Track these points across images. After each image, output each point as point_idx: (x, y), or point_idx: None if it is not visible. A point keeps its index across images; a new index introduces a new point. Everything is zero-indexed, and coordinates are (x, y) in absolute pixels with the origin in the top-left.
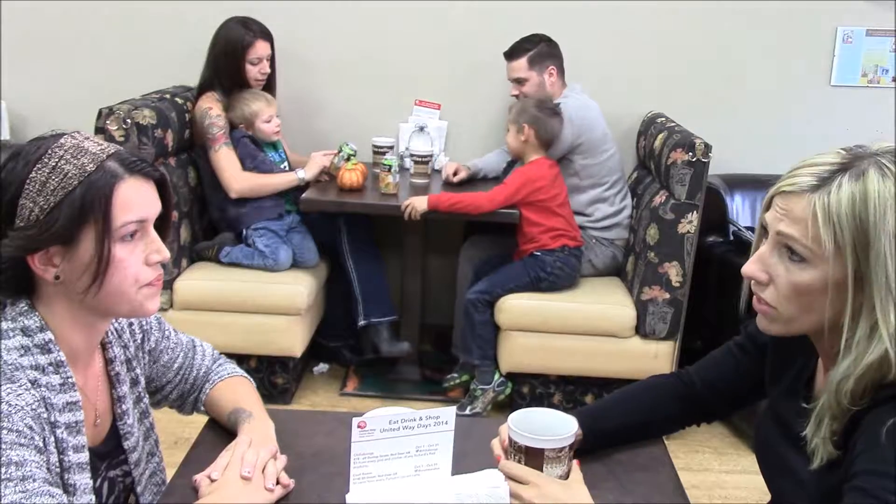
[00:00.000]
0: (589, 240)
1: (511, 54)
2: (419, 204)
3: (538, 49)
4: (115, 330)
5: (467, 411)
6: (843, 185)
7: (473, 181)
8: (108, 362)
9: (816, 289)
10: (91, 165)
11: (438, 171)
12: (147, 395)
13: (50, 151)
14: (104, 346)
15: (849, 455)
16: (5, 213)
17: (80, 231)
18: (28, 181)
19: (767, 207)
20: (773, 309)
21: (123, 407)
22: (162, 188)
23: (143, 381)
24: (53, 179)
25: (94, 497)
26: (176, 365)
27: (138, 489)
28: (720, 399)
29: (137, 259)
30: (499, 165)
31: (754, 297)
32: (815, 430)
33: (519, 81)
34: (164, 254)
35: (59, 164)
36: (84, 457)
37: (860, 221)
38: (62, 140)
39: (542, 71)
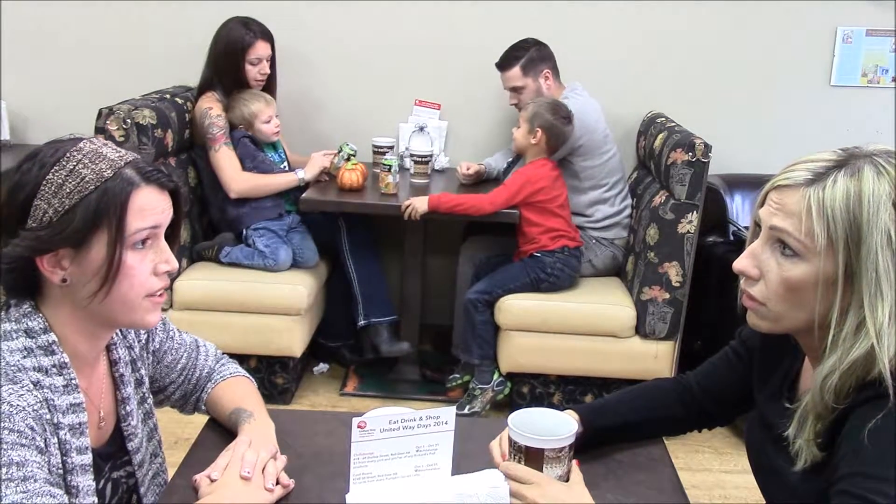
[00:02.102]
0: (588, 240)
1: (503, 64)
2: (419, 205)
3: (529, 55)
4: (120, 330)
5: (466, 410)
6: (839, 181)
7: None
8: (113, 364)
9: (807, 284)
10: (108, 171)
11: (439, 171)
12: (151, 396)
13: (68, 155)
14: (108, 348)
15: (833, 458)
16: (19, 212)
17: (92, 235)
18: (44, 183)
19: (762, 203)
20: (762, 305)
21: (128, 408)
22: (175, 198)
23: (147, 381)
24: (70, 182)
25: (96, 499)
26: (179, 365)
27: (142, 490)
28: (719, 404)
29: (146, 268)
30: (500, 164)
31: (744, 293)
32: (799, 430)
33: (515, 90)
34: (173, 264)
35: (76, 168)
36: (87, 458)
37: (854, 217)
38: (81, 144)
39: (536, 76)
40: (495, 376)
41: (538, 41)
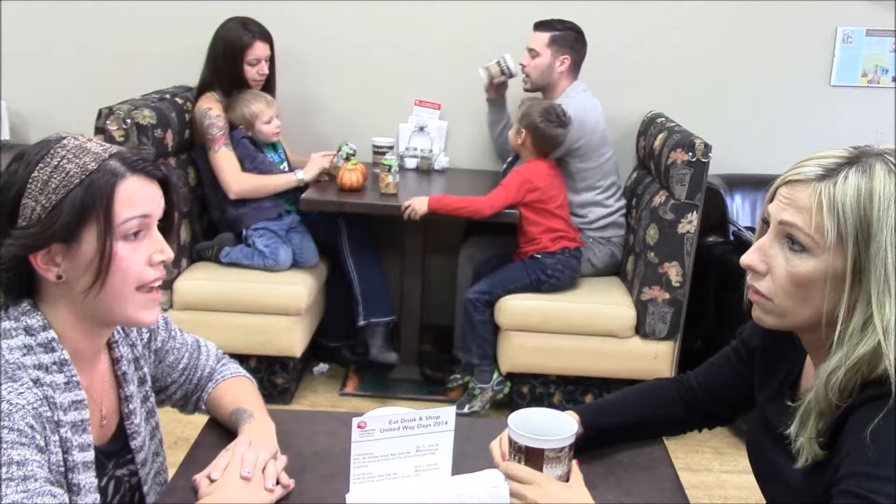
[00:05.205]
0: (586, 239)
1: (540, 25)
2: (419, 206)
3: (564, 33)
4: (123, 328)
5: (465, 410)
6: (850, 177)
7: (466, 181)
8: (115, 362)
9: (814, 280)
10: (93, 164)
11: (438, 171)
12: (153, 394)
13: (52, 151)
14: (110, 346)
15: (835, 457)
16: (8, 212)
17: (81, 229)
18: (30, 180)
19: (771, 199)
20: (768, 300)
21: (131, 406)
22: (166, 188)
23: (149, 379)
24: (55, 178)
25: (98, 496)
26: (181, 365)
27: (144, 488)
28: (719, 404)
29: (140, 258)
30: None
31: (750, 288)
32: (800, 428)
33: (532, 53)
34: (168, 254)
35: (60, 164)
36: (89, 456)
37: (864, 213)
38: (64, 141)
39: (557, 54)
40: (495, 376)
41: (581, 32)
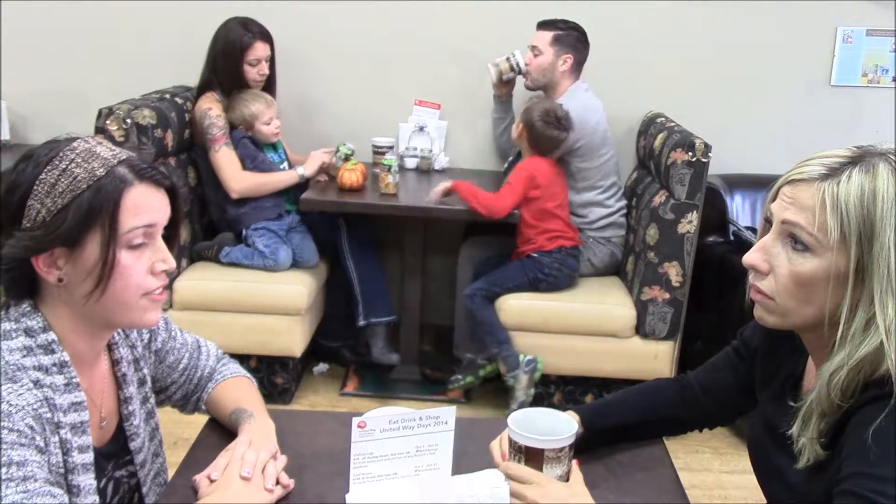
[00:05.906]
0: (586, 239)
1: (543, 24)
2: (442, 185)
3: (567, 33)
4: (122, 329)
5: (514, 407)
6: (853, 176)
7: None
8: (115, 363)
9: (817, 279)
10: (101, 170)
11: (439, 171)
12: (153, 395)
13: (61, 154)
14: (110, 347)
15: (837, 458)
16: (13, 213)
17: (86, 235)
18: (37, 182)
19: (774, 198)
20: (770, 300)
21: (130, 408)
22: (172, 197)
23: (149, 381)
24: (63, 182)
25: (97, 497)
26: (181, 366)
27: (143, 489)
28: (720, 404)
29: (142, 267)
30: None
31: (752, 287)
32: (802, 428)
33: (535, 51)
34: (171, 263)
35: (69, 167)
36: (89, 457)
37: (868, 212)
38: (74, 144)
39: (559, 53)
40: (521, 357)
41: (585, 33)
